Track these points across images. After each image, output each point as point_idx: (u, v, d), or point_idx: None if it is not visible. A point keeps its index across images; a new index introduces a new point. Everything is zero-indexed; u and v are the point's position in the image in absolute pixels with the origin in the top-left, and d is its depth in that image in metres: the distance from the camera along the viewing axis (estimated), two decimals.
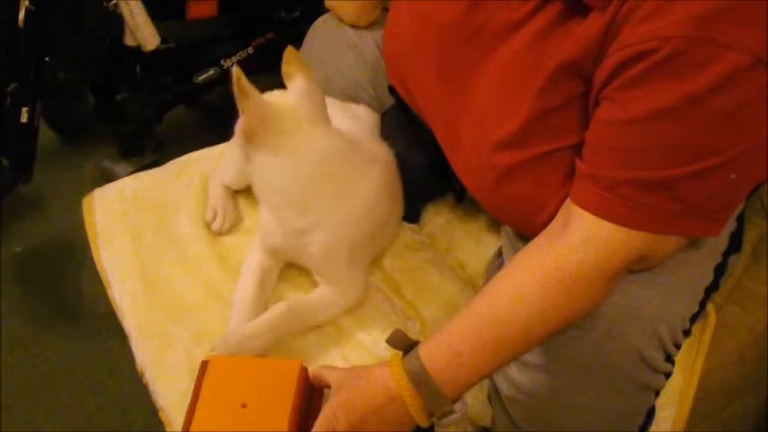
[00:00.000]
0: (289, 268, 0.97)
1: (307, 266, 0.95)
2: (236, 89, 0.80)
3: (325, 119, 0.89)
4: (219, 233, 1.02)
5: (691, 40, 0.58)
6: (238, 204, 1.06)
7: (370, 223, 0.92)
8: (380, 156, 0.97)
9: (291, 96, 0.87)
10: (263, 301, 0.91)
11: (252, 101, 0.82)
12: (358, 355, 0.87)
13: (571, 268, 0.66)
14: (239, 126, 0.85)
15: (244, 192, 1.06)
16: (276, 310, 0.86)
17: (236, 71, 0.79)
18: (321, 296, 0.91)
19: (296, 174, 0.87)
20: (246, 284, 0.91)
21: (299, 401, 0.75)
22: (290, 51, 0.88)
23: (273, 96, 0.88)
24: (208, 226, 1.02)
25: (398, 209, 1.02)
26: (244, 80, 0.80)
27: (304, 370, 0.78)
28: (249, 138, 0.85)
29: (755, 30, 0.58)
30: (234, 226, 1.03)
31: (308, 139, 0.86)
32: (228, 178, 1.05)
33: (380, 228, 0.96)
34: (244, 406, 0.75)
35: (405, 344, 0.73)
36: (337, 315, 0.91)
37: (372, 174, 0.92)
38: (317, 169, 0.87)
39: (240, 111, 0.84)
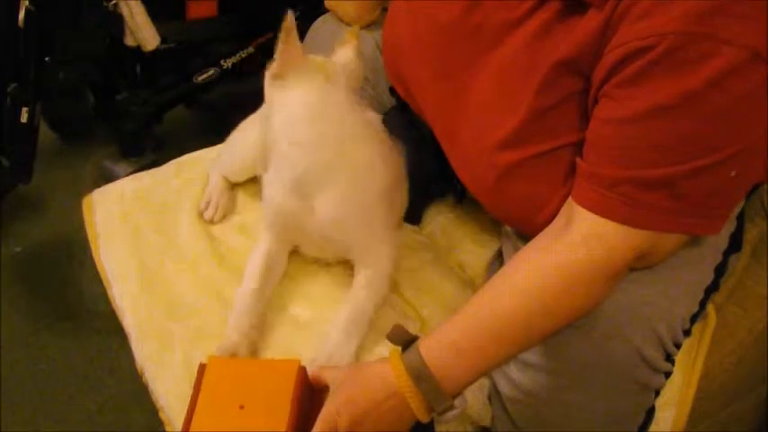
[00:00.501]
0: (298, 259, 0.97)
1: (317, 246, 0.93)
2: (283, 31, 0.82)
3: (348, 84, 0.89)
4: (211, 222, 1.03)
5: (688, 36, 0.58)
6: (237, 198, 1.06)
7: (376, 188, 0.90)
8: (386, 141, 0.97)
9: (334, 57, 0.90)
10: (265, 293, 0.91)
11: (290, 44, 0.83)
12: (358, 354, 0.87)
13: (573, 267, 0.66)
14: (270, 69, 0.86)
15: (243, 186, 1.06)
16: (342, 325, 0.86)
17: (289, 17, 0.81)
18: (359, 286, 0.90)
19: (307, 107, 0.85)
20: (249, 275, 0.91)
21: (298, 401, 0.75)
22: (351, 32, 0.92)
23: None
24: (200, 214, 1.03)
25: (403, 190, 1.01)
26: (292, 24, 0.82)
27: (303, 370, 0.78)
28: (276, 76, 0.86)
29: (753, 25, 0.58)
30: (226, 217, 1.04)
31: (324, 86, 0.86)
32: (228, 170, 1.05)
33: (387, 196, 0.93)
34: (242, 407, 0.75)
35: (404, 339, 0.73)
36: (384, 287, 0.90)
37: (378, 144, 0.91)
38: (326, 109, 0.86)
39: (277, 53, 0.84)
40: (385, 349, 0.87)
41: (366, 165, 0.88)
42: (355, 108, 0.90)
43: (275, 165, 0.89)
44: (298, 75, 0.85)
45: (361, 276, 0.91)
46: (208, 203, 1.04)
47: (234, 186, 1.08)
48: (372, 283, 0.90)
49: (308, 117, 0.86)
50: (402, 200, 1.00)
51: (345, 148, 0.87)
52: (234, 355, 0.83)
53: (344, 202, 0.87)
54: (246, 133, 1.05)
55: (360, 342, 0.86)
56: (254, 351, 0.86)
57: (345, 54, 0.91)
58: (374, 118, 1.03)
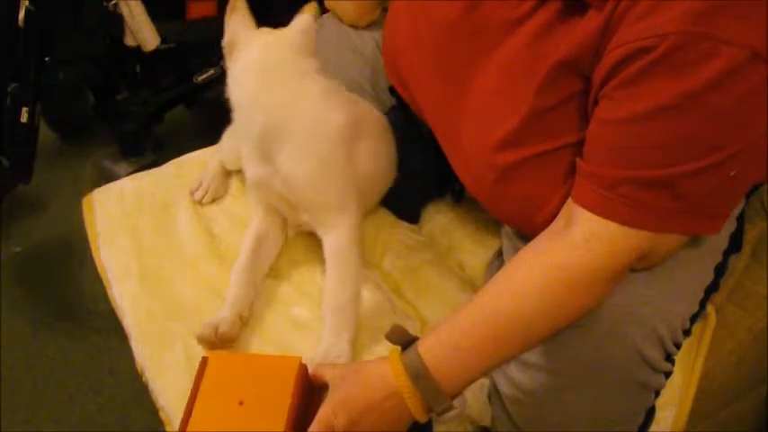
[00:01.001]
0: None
1: (295, 212, 0.94)
2: (229, 4, 0.89)
3: (301, 47, 0.91)
4: (200, 203, 1.06)
5: (688, 37, 0.58)
6: (241, 199, 1.07)
7: (330, 145, 0.90)
8: (364, 107, 0.99)
9: (291, 24, 0.93)
10: (258, 267, 0.93)
11: (238, 13, 0.89)
12: (357, 354, 0.87)
13: (574, 267, 0.66)
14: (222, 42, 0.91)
15: (240, 175, 1.07)
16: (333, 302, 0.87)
17: None
18: (329, 275, 0.89)
19: (253, 71, 0.89)
20: (242, 251, 0.94)
21: (298, 399, 0.75)
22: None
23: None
24: (191, 194, 1.06)
25: (384, 162, 1.01)
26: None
27: (303, 367, 0.78)
28: (230, 48, 0.90)
29: (753, 25, 0.58)
30: (215, 200, 1.07)
31: (271, 50, 0.90)
32: (225, 156, 1.07)
33: (344, 155, 0.92)
34: (242, 403, 0.75)
35: (404, 339, 0.73)
36: (351, 262, 0.89)
37: (347, 112, 0.92)
38: (273, 71, 0.89)
39: (225, 25, 0.90)
40: (364, 334, 0.88)
41: (319, 122, 0.89)
42: (309, 69, 0.91)
43: (239, 133, 0.94)
44: (247, 44, 0.89)
45: (327, 253, 0.90)
46: (200, 185, 1.07)
47: (230, 174, 1.09)
48: (338, 259, 0.89)
49: (256, 80, 0.88)
50: (377, 168, 1.00)
51: (297, 106, 0.88)
52: (215, 328, 0.85)
53: (300, 158, 0.88)
54: None
55: (351, 332, 0.86)
56: (241, 326, 0.88)
57: (301, 21, 0.93)
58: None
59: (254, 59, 0.89)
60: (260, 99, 0.88)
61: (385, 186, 1.03)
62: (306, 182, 0.89)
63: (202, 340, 0.85)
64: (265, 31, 0.92)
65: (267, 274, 0.96)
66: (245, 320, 0.89)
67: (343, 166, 0.91)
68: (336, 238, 0.90)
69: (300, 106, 0.88)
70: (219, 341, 0.85)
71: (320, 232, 0.92)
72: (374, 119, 1.01)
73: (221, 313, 0.87)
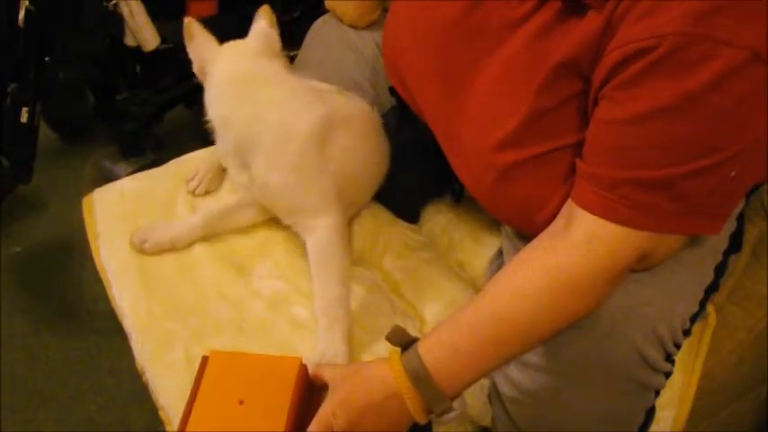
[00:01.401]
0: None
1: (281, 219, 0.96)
2: (185, 33, 0.91)
3: (264, 54, 0.93)
4: (192, 194, 1.08)
5: (688, 37, 0.58)
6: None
7: (299, 148, 0.90)
8: (341, 100, 0.99)
9: (250, 33, 0.95)
10: (217, 222, 0.99)
11: (197, 39, 0.91)
12: (357, 354, 0.87)
13: (574, 269, 0.66)
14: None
15: None
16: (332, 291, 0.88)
17: (187, 20, 0.91)
18: (314, 259, 0.90)
19: (221, 85, 0.91)
20: (218, 205, 1.00)
21: (298, 399, 0.75)
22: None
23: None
24: (187, 183, 1.08)
25: (369, 154, 1.01)
26: (194, 25, 0.91)
27: (304, 367, 0.78)
28: (201, 74, 0.92)
29: (753, 25, 0.58)
30: (209, 192, 1.08)
31: (235, 62, 0.92)
32: (219, 154, 1.07)
33: (334, 161, 0.93)
34: (242, 402, 0.75)
35: (404, 340, 0.73)
36: (334, 258, 0.90)
37: (318, 109, 0.92)
38: (239, 83, 0.91)
39: (189, 53, 0.92)
40: (364, 334, 0.88)
41: (286, 128, 0.89)
42: (274, 72, 0.93)
43: (219, 146, 0.96)
44: (213, 63, 0.91)
45: (310, 255, 0.90)
46: (195, 176, 1.08)
47: (226, 170, 1.09)
48: (321, 260, 0.89)
49: (224, 97, 0.91)
50: (362, 162, 1.00)
51: (264, 116, 0.89)
52: (143, 242, 0.95)
53: (272, 167, 0.90)
54: None
55: (345, 331, 0.86)
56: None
57: (258, 26, 0.95)
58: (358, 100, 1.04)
59: (220, 75, 0.91)
60: (230, 116, 0.90)
61: (375, 179, 1.03)
62: (280, 190, 0.91)
63: (130, 243, 0.97)
64: (227, 44, 0.94)
65: (268, 275, 0.96)
66: (176, 249, 0.97)
67: (316, 168, 0.91)
68: (318, 239, 0.90)
69: (267, 116, 0.89)
70: (139, 251, 0.96)
71: (302, 234, 0.92)
72: (355, 110, 1.00)
73: (160, 233, 0.96)
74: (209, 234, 0.98)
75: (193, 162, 1.14)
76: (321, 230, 0.90)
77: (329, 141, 0.92)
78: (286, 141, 0.89)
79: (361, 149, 0.99)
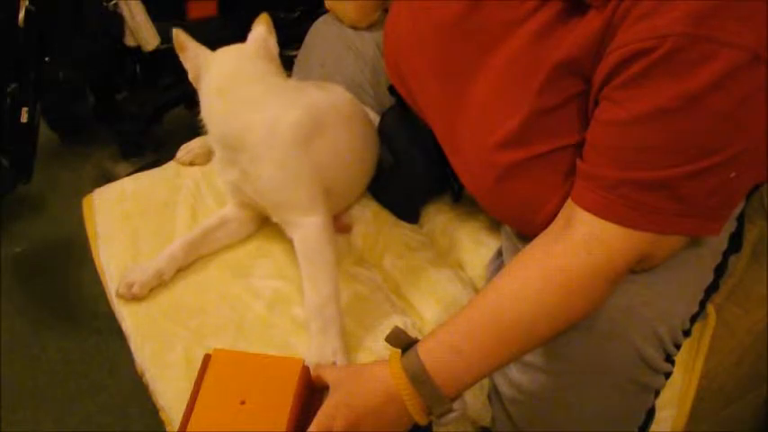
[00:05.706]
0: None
1: (265, 210, 0.96)
2: (175, 45, 0.93)
3: (259, 56, 0.95)
4: (180, 162, 1.12)
5: (688, 38, 0.58)
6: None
7: (296, 155, 0.91)
8: (329, 99, 1.00)
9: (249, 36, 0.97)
10: (203, 245, 0.98)
11: (188, 49, 0.94)
12: (357, 355, 0.87)
13: (574, 269, 0.66)
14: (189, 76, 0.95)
15: None
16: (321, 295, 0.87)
17: (176, 31, 0.93)
18: (301, 257, 0.90)
19: (213, 83, 0.92)
20: (200, 225, 0.98)
21: (299, 400, 0.75)
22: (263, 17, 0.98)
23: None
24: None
25: (357, 152, 1.02)
26: (182, 36, 0.93)
27: (306, 368, 0.78)
28: (196, 82, 0.95)
29: (754, 26, 0.58)
30: (194, 163, 1.12)
31: (225, 63, 0.94)
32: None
33: (321, 159, 0.94)
34: (243, 402, 0.75)
35: (404, 342, 0.73)
36: (322, 255, 0.90)
37: (303, 109, 0.92)
38: (228, 80, 0.92)
39: (183, 63, 0.95)
40: (365, 334, 0.88)
41: (272, 128, 0.90)
42: (265, 73, 0.95)
43: (211, 143, 0.97)
44: (208, 68, 0.93)
45: (297, 253, 0.90)
46: (186, 150, 1.13)
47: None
48: (308, 258, 0.90)
49: (215, 98, 0.92)
50: (350, 159, 1.00)
51: (251, 116, 0.90)
52: (131, 287, 0.92)
53: (259, 166, 0.90)
54: None
55: (338, 327, 0.86)
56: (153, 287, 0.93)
57: (256, 32, 0.97)
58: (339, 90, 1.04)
59: (211, 76, 0.93)
60: (217, 114, 0.92)
61: (364, 172, 1.04)
62: (268, 187, 0.92)
63: (119, 295, 0.93)
64: (223, 48, 0.95)
65: (268, 275, 0.96)
66: (165, 282, 0.95)
67: (302, 167, 0.91)
68: (305, 237, 0.90)
69: (254, 116, 0.90)
70: (131, 298, 0.92)
71: (288, 232, 0.93)
72: (344, 109, 1.00)
73: (144, 272, 0.93)
74: (193, 259, 0.97)
75: None
76: (309, 228, 0.90)
77: (314, 138, 0.92)
78: (270, 139, 0.90)
79: (348, 144, 0.99)
